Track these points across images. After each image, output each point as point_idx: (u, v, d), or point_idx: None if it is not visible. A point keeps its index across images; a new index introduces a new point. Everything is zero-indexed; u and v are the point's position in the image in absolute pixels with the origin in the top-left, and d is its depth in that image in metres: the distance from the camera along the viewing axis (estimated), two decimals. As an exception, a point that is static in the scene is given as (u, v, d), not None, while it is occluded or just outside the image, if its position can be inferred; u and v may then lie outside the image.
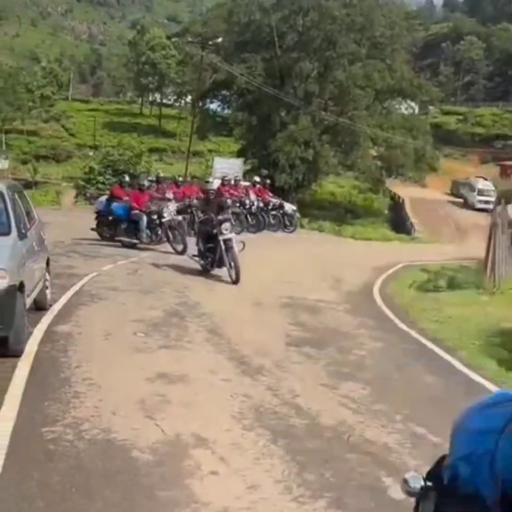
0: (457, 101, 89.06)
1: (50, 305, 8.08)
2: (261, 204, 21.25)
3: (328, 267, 15.62)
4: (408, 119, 42.22)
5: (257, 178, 23.41)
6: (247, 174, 31.14)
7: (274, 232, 21.73)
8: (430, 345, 8.39)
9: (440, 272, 16.55)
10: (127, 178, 18.14)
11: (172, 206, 15.75)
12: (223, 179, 21.68)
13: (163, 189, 17.73)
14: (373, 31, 38.64)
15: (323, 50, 37.56)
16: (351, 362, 6.83)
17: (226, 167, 30.04)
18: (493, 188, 44.14)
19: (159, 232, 15.16)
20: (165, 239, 15.06)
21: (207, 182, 17.35)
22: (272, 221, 21.91)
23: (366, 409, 5.25)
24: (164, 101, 73.88)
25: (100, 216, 16.16)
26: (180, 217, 15.85)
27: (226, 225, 11.66)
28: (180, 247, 14.42)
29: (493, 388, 6.36)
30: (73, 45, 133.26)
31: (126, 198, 16.06)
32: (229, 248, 11.40)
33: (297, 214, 25.52)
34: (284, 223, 22.72)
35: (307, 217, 32.37)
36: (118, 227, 15.56)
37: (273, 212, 22.10)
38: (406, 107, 45.13)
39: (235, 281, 11.18)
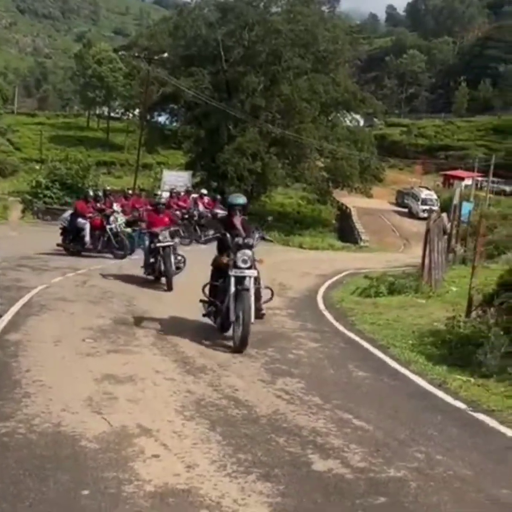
0: (401, 113, 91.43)
1: (0, 316, 8.31)
2: (209, 215, 21.64)
3: (275, 275, 16.06)
4: (353, 131, 43.34)
5: (204, 191, 23.85)
6: (196, 187, 31.50)
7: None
8: (365, 344, 8.92)
9: (382, 278, 17.22)
10: (91, 193, 18.33)
11: (120, 218, 16.40)
12: (171, 191, 22.04)
13: (111, 203, 17.98)
14: (317, 46, 39.62)
15: (269, 64, 38.30)
16: (289, 360, 7.30)
17: (175, 179, 30.38)
18: (436, 197, 45.58)
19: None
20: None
21: (156, 194, 17.86)
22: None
23: (299, 400, 5.72)
24: (112, 114, 73.68)
25: (66, 231, 16.57)
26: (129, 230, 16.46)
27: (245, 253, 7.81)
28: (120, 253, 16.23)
29: (416, 379, 6.93)
30: (17, 58, 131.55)
31: (90, 214, 16.37)
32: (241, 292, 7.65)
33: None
34: (233, 233, 23.18)
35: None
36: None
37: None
38: (351, 120, 46.29)
39: (240, 347, 7.46)
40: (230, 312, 7.63)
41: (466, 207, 23.34)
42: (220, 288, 8.05)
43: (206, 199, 22.93)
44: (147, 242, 12.90)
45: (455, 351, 8.48)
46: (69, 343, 7.26)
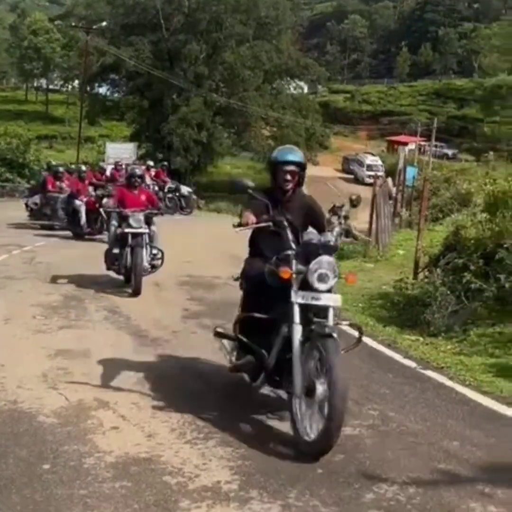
0: (344, 80, 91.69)
1: None
2: (157, 188, 21.43)
3: (226, 245, 16.05)
4: (297, 99, 43.37)
5: (150, 162, 23.56)
6: (141, 158, 31.07)
7: (171, 214, 22.00)
8: (317, 309, 9.07)
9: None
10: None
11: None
12: (116, 164, 21.67)
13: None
14: (258, 12, 39.29)
15: (210, 31, 37.83)
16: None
17: (119, 152, 29.87)
18: (381, 163, 46.18)
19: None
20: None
21: (101, 168, 17.76)
22: (169, 204, 22.18)
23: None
24: (51, 86, 71.60)
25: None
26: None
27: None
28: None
29: (367, 340, 7.09)
30: None
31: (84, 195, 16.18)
32: None
33: (194, 196, 25.90)
34: (181, 205, 23.05)
35: (205, 199, 32.79)
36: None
37: (169, 195, 22.38)
38: (295, 87, 46.26)
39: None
40: (295, 376, 4.02)
41: (410, 171, 23.73)
42: (265, 323, 4.36)
43: (153, 171, 22.66)
44: (113, 227, 9.86)
45: (404, 312, 8.72)
46: (19, 321, 7.15)
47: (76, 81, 55.32)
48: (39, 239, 15.01)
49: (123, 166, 21.53)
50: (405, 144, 50.03)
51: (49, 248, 13.76)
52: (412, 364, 6.27)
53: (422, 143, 53.85)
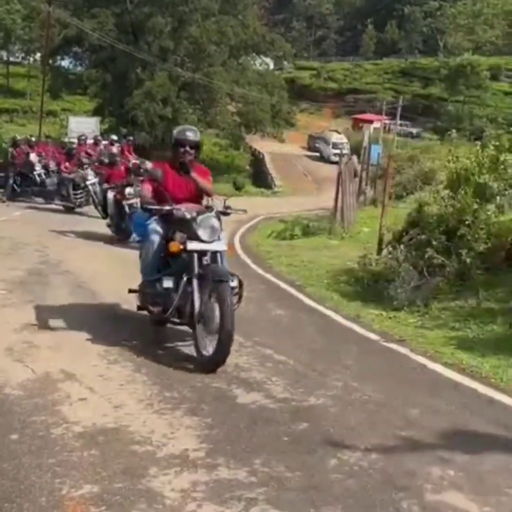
0: (310, 56, 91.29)
1: None
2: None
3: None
4: (263, 75, 43.08)
5: (114, 137, 23.22)
6: (105, 133, 30.60)
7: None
8: (282, 285, 9.18)
9: (296, 221, 17.59)
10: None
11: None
12: (79, 138, 21.33)
13: (22, 152, 17.46)
14: (224, -14, 38.81)
15: (176, 5, 37.24)
16: (209, 302, 7.41)
17: (82, 126, 29.39)
18: (346, 141, 46.29)
19: None
20: None
21: (64, 142, 17.59)
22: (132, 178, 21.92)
23: (221, 339, 5.86)
24: (11, 59, 69.72)
25: None
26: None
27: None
28: None
29: (332, 315, 7.23)
30: None
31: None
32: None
33: (158, 172, 25.66)
34: (146, 180, 22.83)
35: (169, 175, 32.50)
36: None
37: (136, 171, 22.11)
38: (261, 63, 45.93)
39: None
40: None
41: (375, 149, 23.91)
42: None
43: (116, 145, 22.32)
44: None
45: (368, 287, 8.87)
46: (-17, 296, 7.07)
47: (38, 54, 54.02)
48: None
49: (95, 141, 21.25)
50: (370, 122, 50.26)
51: (12, 221, 13.58)
52: (375, 337, 6.40)
53: (387, 121, 54.12)
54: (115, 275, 8.61)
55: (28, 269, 8.77)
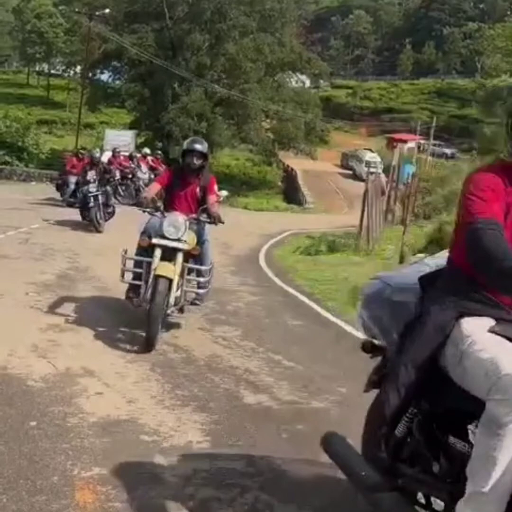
0: (347, 75, 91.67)
1: None
2: (153, 176, 21.66)
3: (218, 235, 16.30)
4: (298, 92, 43.43)
5: (147, 150, 23.78)
6: (141, 146, 31.24)
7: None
8: (302, 297, 9.39)
9: (322, 237, 17.78)
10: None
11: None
12: (114, 151, 21.90)
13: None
14: (263, 4, 39.34)
15: (214, 22, 37.86)
16: (227, 311, 7.68)
17: (118, 139, 30.05)
18: (380, 160, 46.37)
19: None
20: None
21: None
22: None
23: (235, 345, 6.12)
24: (52, 71, 71.53)
25: None
26: None
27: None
28: None
29: (347, 328, 7.41)
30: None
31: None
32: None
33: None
34: (178, 194, 23.30)
35: (202, 189, 32.95)
36: None
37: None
38: (297, 81, 46.37)
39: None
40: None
41: (407, 168, 24.04)
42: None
43: (149, 158, 22.89)
44: None
45: (386, 303, 9.02)
46: (13, 297, 7.42)
47: (78, 67, 55.35)
48: (33, 220, 15.27)
49: (130, 155, 21.76)
50: (405, 141, 50.27)
51: (45, 229, 14.04)
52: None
53: (422, 141, 54.07)
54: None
55: (57, 273, 9.13)
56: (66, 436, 3.80)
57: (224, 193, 7.64)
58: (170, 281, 5.80)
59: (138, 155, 22.84)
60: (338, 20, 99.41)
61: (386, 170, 30.06)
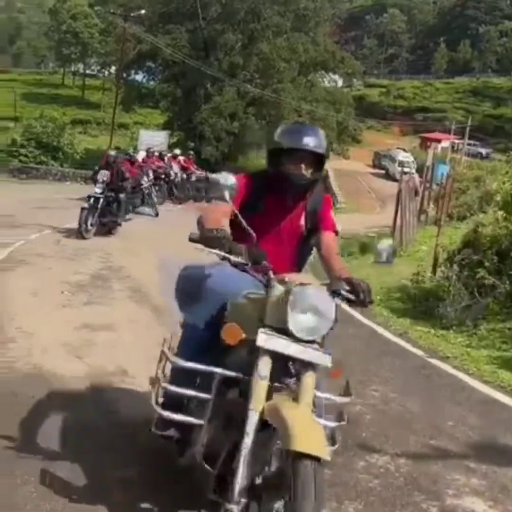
0: (380, 74, 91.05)
1: (-20, 270, 8.53)
2: (185, 176, 21.80)
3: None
4: (331, 92, 43.26)
5: (177, 151, 23.94)
6: (173, 146, 31.43)
7: (199, 202, 22.36)
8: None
9: (354, 238, 17.67)
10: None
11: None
12: (148, 151, 22.05)
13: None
14: (296, 3, 39.24)
15: (247, 22, 37.91)
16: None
17: (152, 139, 30.27)
18: (413, 159, 45.89)
19: None
20: None
21: (128, 153, 18.59)
22: (196, 193, 22.54)
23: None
24: (88, 71, 72.45)
25: None
26: None
27: None
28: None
29: (379, 329, 7.35)
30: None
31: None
32: None
33: (223, 186, 26.16)
34: (210, 194, 23.38)
35: (234, 189, 33.03)
36: None
37: (198, 184, 22.72)
38: (329, 80, 46.18)
39: None
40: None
41: (441, 168, 23.71)
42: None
43: (181, 158, 23.02)
44: None
45: (419, 305, 8.94)
46: (47, 295, 7.52)
47: (113, 67, 55.96)
48: (69, 219, 15.46)
49: (160, 154, 21.84)
50: (439, 141, 49.66)
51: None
52: (420, 353, 6.50)
53: (456, 141, 53.39)
54: (172, 282, 8.96)
55: (90, 273, 9.22)
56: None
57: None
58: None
59: (169, 155, 22.96)
60: (372, 18, 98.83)
61: (419, 170, 29.70)
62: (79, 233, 12.15)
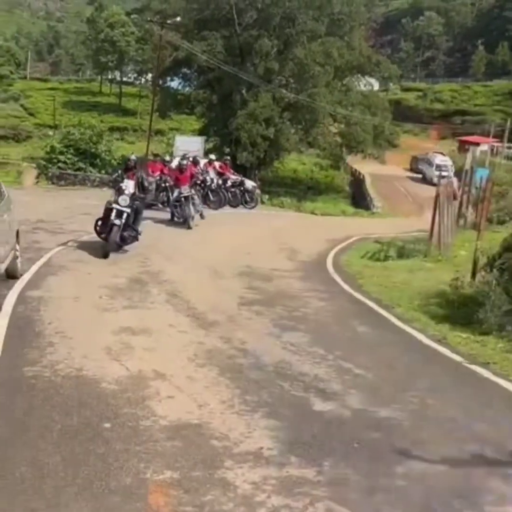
0: (417, 77, 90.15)
1: (21, 275, 8.70)
2: (220, 181, 21.87)
3: (286, 240, 16.40)
4: (367, 96, 42.92)
5: (212, 156, 24.05)
6: (209, 152, 31.59)
7: (234, 208, 22.43)
8: (370, 304, 9.25)
9: (391, 243, 17.50)
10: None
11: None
12: (183, 156, 22.19)
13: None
14: (331, 8, 39.08)
15: (283, 27, 37.90)
16: (296, 317, 7.66)
17: (187, 145, 30.44)
18: (451, 163, 45.34)
19: None
20: None
21: (165, 160, 18.91)
22: (232, 198, 22.58)
23: (304, 351, 6.09)
24: (124, 79, 73.37)
25: None
26: None
27: None
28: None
29: (417, 335, 7.26)
30: (29, 22, 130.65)
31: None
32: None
33: (258, 191, 26.26)
34: (245, 199, 23.41)
35: (269, 194, 33.10)
36: None
37: (233, 189, 22.77)
38: (365, 84, 45.87)
39: None
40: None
41: (480, 172, 23.36)
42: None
43: (217, 164, 23.10)
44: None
45: (458, 310, 8.79)
46: (87, 300, 7.64)
47: (149, 75, 56.54)
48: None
49: (193, 160, 22.01)
50: (477, 144, 48.91)
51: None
52: (459, 358, 6.41)
53: (495, 144, 52.55)
54: (209, 287, 9.03)
55: (129, 277, 9.33)
56: (139, 438, 3.88)
57: None
58: None
59: (204, 160, 23.06)
60: (409, 22, 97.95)
61: (457, 174, 29.34)
62: (105, 253, 10.84)
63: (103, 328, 6.37)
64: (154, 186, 18.66)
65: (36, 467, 3.46)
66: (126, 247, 11.41)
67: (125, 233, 11.37)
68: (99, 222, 11.64)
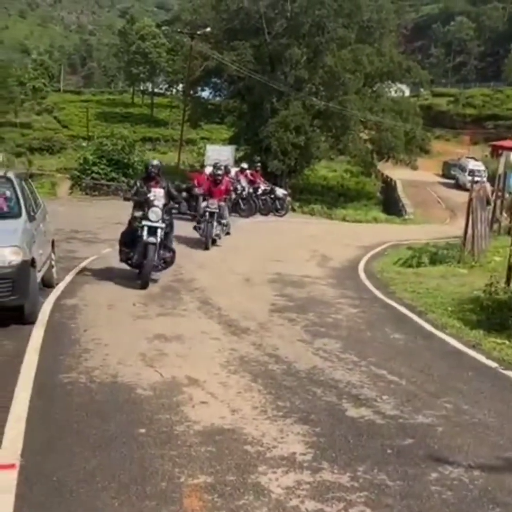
0: (448, 83, 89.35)
1: (56, 283, 8.86)
2: (251, 189, 21.97)
3: (317, 247, 16.39)
4: (397, 102, 42.74)
5: (244, 165, 24.15)
6: (239, 161, 31.73)
7: (265, 216, 22.50)
8: (403, 310, 9.19)
9: (424, 249, 17.36)
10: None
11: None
12: (214, 165, 22.34)
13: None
14: (361, 15, 39.05)
15: (312, 35, 37.95)
16: (327, 323, 7.65)
17: (218, 154, 30.63)
18: (484, 168, 44.81)
19: None
20: None
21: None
22: (263, 206, 22.66)
23: (336, 358, 6.09)
24: (156, 90, 74.28)
25: None
26: None
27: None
28: None
29: (451, 341, 7.19)
30: (62, 36, 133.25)
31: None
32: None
33: (289, 198, 26.29)
34: (275, 207, 23.48)
35: (300, 202, 33.12)
36: None
37: (263, 197, 22.85)
38: (396, 90, 45.67)
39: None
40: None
41: (513, 177, 23.04)
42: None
43: (248, 172, 23.21)
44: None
45: (493, 316, 8.68)
46: (121, 307, 7.75)
47: (180, 85, 57.12)
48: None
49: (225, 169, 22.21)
50: (510, 149, 48.25)
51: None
52: (493, 364, 6.34)
53: (529, 148, 51.78)
54: (240, 294, 9.07)
55: (161, 285, 9.43)
56: (173, 443, 3.92)
57: None
58: None
59: (235, 169, 23.19)
60: (439, 27, 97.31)
61: (490, 179, 28.97)
62: (144, 284, 9.03)
63: (137, 335, 6.46)
64: (184, 194, 18.77)
65: (73, 471, 3.53)
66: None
67: (162, 254, 9.50)
68: (123, 248, 9.81)
